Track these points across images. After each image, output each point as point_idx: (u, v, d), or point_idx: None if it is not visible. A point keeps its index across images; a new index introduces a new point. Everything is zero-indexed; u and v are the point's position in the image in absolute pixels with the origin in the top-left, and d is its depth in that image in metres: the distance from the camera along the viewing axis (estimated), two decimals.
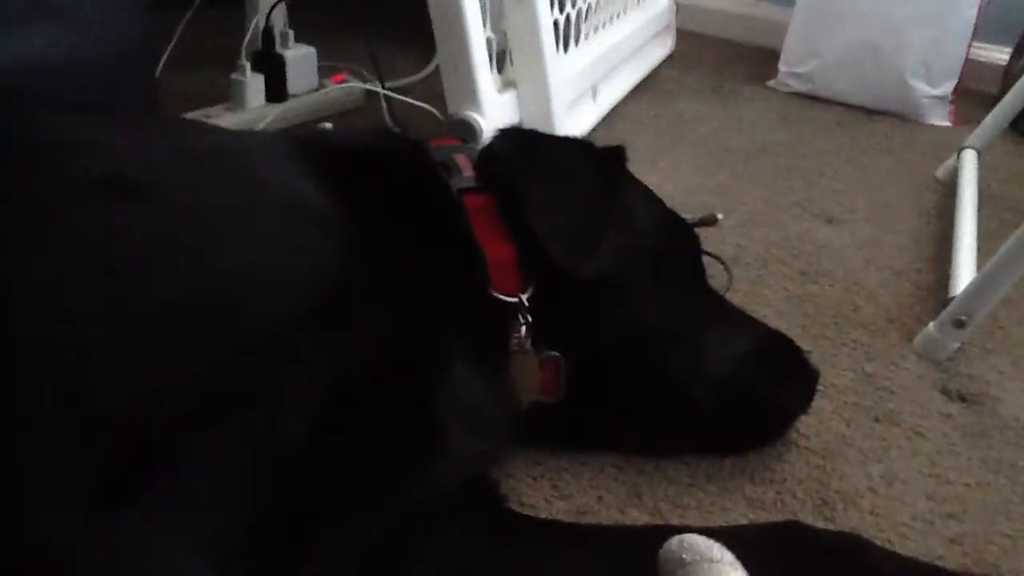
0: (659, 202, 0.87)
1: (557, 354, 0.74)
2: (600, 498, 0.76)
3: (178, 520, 0.45)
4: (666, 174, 1.46)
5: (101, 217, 0.50)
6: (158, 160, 0.57)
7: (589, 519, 0.74)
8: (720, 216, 1.30)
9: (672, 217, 0.86)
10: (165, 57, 1.43)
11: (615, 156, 0.83)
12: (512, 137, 0.81)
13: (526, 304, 0.72)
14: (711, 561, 0.59)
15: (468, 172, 0.76)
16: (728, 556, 0.60)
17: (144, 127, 0.63)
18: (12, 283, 0.45)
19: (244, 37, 1.44)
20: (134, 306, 0.47)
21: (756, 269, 1.19)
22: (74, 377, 0.44)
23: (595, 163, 0.81)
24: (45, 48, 0.90)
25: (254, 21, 1.44)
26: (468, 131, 1.20)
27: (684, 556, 0.60)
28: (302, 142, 0.70)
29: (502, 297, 0.71)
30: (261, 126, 1.37)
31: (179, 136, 0.65)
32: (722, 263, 1.11)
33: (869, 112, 1.94)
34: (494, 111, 1.24)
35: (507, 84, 1.35)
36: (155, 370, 0.47)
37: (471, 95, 1.22)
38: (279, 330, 0.52)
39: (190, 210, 0.54)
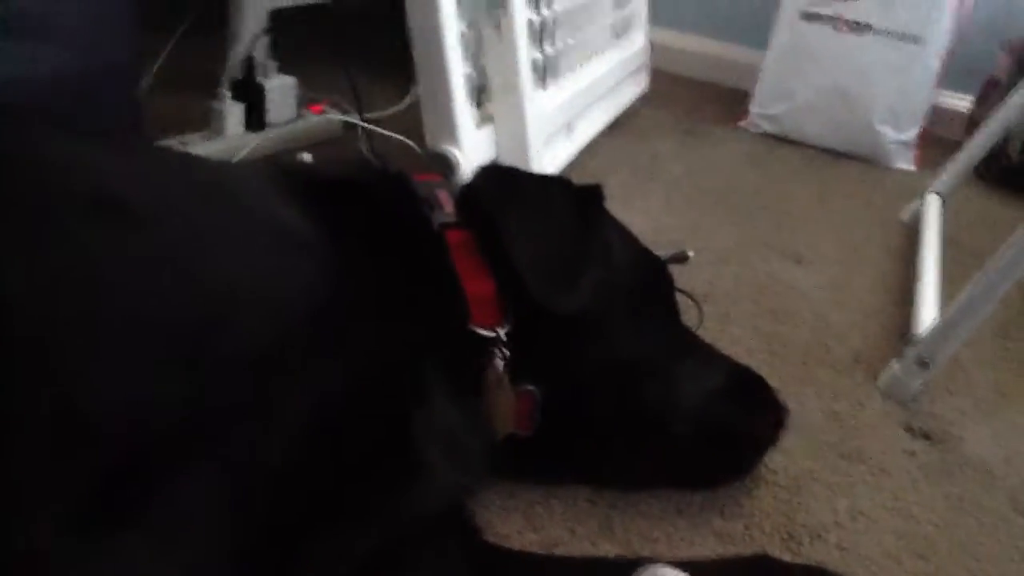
0: (634, 240, 0.88)
1: (533, 388, 0.75)
2: (572, 531, 0.77)
3: (168, 538, 0.46)
4: (639, 212, 1.49)
5: (94, 236, 0.50)
6: (149, 183, 0.58)
7: (561, 551, 0.74)
8: (691, 254, 1.32)
9: (647, 255, 0.88)
10: (148, 81, 1.44)
11: (593, 194, 0.85)
12: (492, 175, 0.83)
13: (504, 339, 0.73)
14: None
15: (449, 208, 0.77)
16: None
17: (135, 150, 0.64)
18: (4, 300, 0.45)
19: (225, 66, 1.45)
20: (125, 325, 0.48)
21: (726, 307, 1.21)
22: (66, 394, 0.45)
23: (574, 201, 0.82)
24: (30, 63, 0.90)
25: (235, 50, 1.45)
26: (446, 165, 1.22)
27: None
28: (287, 171, 0.71)
29: (481, 331, 0.72)
30: (239, 155, 1.38)
31: (168, 161, 0.66)
32: (693, 300, 1.13)
33: (837, 155, 1.99)
34: (472, 146, 1.26)
35: (485, 119, 1.37)
36: (145, 388, 0.47)
37: (450, 129, 1.24)
38: (265, 351, 0.53)
39: (179, 232, 0.55)
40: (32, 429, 0.43)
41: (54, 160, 0.56)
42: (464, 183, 0.82)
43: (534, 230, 0.77)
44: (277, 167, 0.75)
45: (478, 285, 0.73)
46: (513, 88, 1.35)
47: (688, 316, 0.97)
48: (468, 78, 1.28)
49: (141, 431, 0.46)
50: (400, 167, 0.80)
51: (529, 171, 0.87)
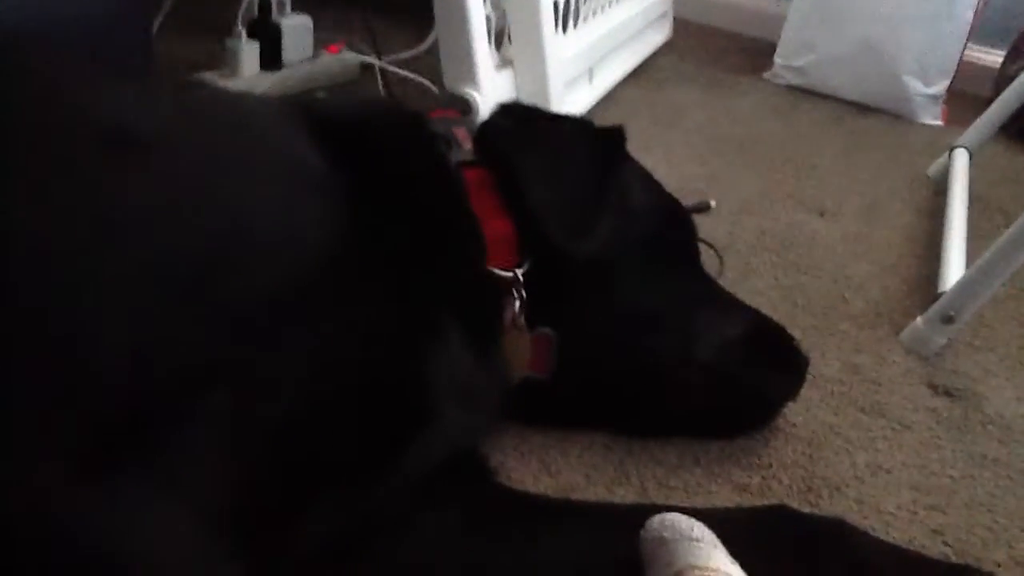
0: (656, 184, 0.86)
1: (550, 331, 0.73)
2: (588, 476, 0.76)
3: (166, 481, 0.44)
4: (659, 161, 1.46)
5: (101, 169, 0.49)
6: (164, 118, 0.56)
7: (576, 496, 0.73)
8: (713, 204, 1.31)
9: (669, 200, 0.86)
10: (160, 22, 1.42)
11: (615, 136, 0.82)
12: (512, 113, 0.81)
13: (521, 280, 0.71)
14: (691, 540, 0.59)
15: (467, 146, 0.76)
16: (708, 535, 0.60)
17: (146, 83, 0.62)
18: (9, 235, 0.44)
19: (240, 4, 1.42)
20: (131, 267, 0.47)
21: (747, 257, 1.19)
22: (69, 336, 0.43)
23: (595, 142, 0.80)
24: (37, 4, 0.88)
25: None
26: (464, 107, 1.19)
27: (665, 534, 0.60)
28: (302, 107, 0.69)
29: (498, 272, 0.71)
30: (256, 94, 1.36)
31: (184, 96, 0.64)
32: (714, 250, 1.11)
33: (863, 108, 1.94)
34: (490, 88, 1.23)
35: (505, 62, 1.34)
36: (150, 330, 0.46)
37: (468, 72, 1.21)
38: (275, 292, 0.52)
39: (190, 167, 0.53)
40: (33, 372, 0.42)
41: (62, 91, 0.54)
42: (483, 120, 0.80)
43: (553, 171, 0.75)
44: (294, 102, 0.73)
45: (496, 225, 0.71)
46: (533, 31, 1.32)
47: (709, 266, 0.95)
48: (487, 19, 1.25)
49: (146, 374, 0.45)
50: (416, 109, 0.78)
51: (550, 111, 0.85)
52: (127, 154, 0.50)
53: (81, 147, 0.49)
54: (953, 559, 0.72)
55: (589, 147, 0.79)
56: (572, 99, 1.50)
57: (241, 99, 0.72)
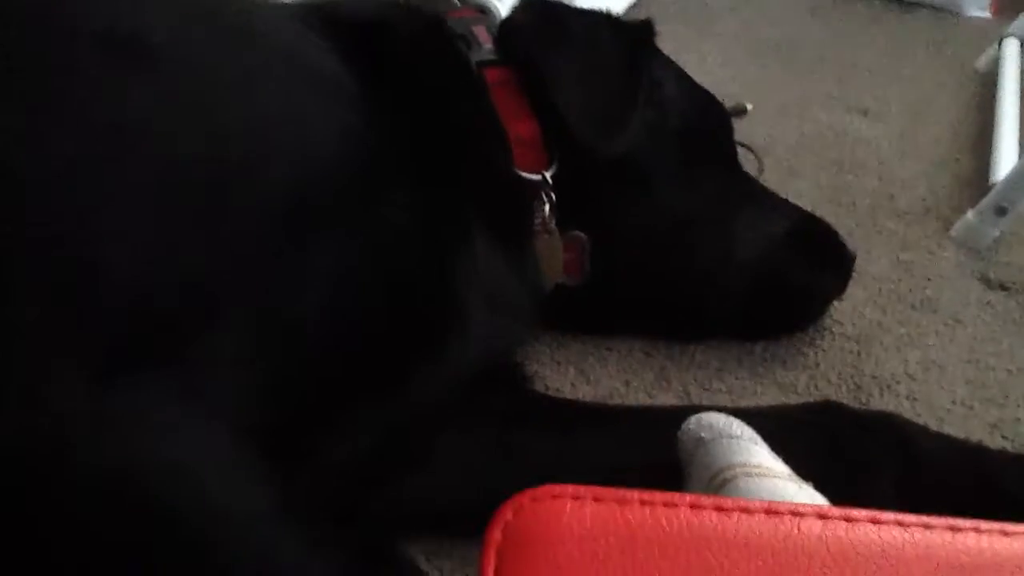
0: (689, 80, 0.82)
1: (582, 234, 0.71)
2: (627, 382, 0.74)
3: (186, 385, 0.43)
4: (692, 66, 1.37)
5: (108, 74, 0.47)
6: (171, 20, 0.53)
7: (616, 403, 0.72)
8: (750, 107, 1.26)
9: (702, 94, 0.82)
10: None
11: (643, 30, 0.79)
12: (534, 8, 0.77)
13: (550, 182, 0.69)
14: (730, 437, 0.56)
15: (488, 44, 0.72)
16: (748, 432, 0.57)
17: None
18: (6, 143, 0.42)
19: None
20: (143, 169, 0.45)
21: (788, 160, 1.14)
22: (83, 242, 0.42)
23: (622, 37, 0.76)
24: None
25: None
26: (483, 13, 1.15)
27: (703, 434, 0.57)
28: (315, 9, 0.66)
29: (525, 175, 0.68)
30: None
31: None
32: (753, 152, 1.07)
33: (907, 4, 1.86)
34: None
35: None
36: (166, 236, 0.44)
37: None
38: (295, 198, 0.50)
39: (201, 71, 0.51)
40: (45, 279, 0.40)
41: None
42: (504, 17, 0.76)
43: (579, 68, 0.72)
44: (306, 5, 0.70)
45: (521, 126, 0.68)
46: None
47: (748, 169, 0.92)
48: None
49: (163, 281, 0.43)
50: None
51: (574, 6, 0.81)
52: (128, 55, 0.48)
53: (77, 49, 0.47)
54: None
55: (616, 42, 0.75)
56: (599, 3, 1.44)
57: (250, 3, 0.69)
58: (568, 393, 0.72)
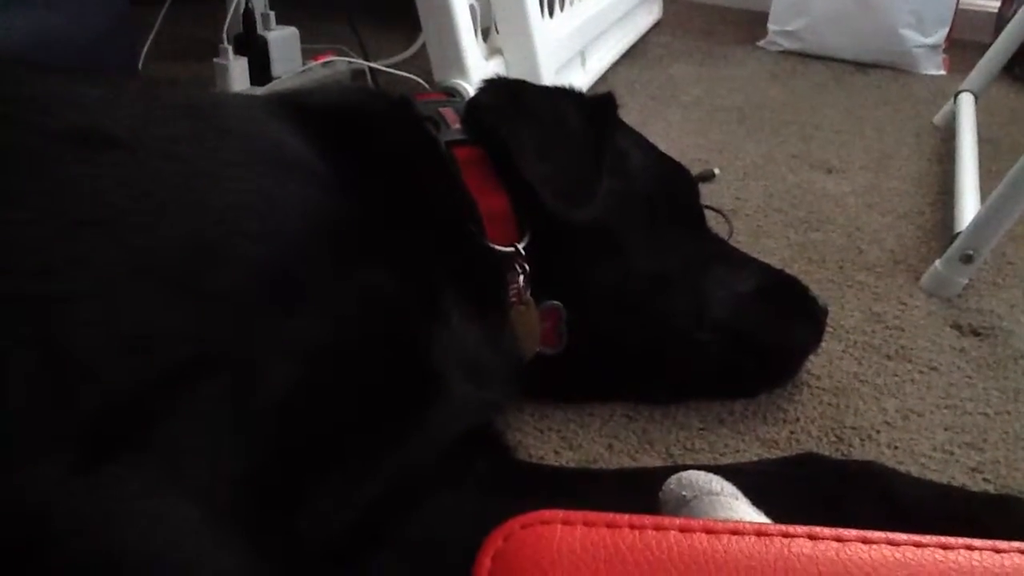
0: (653, 147, 0.85)
1: (558, 303, 0.72)
2: (610, 446, 0.74)
3: (165, 471, 0.43)
4: (659, 135, 1.43)
5: (76, 169, 0.48)
6: (135, 114, 0.55)
7: (600, 467, 0.72)
8: (717, 171, 1.29)
9: (667, 161, 0.84)
10: (146, 49, 1.42)
11: (605, 103, 0.81)
12: (498, 87, 0.79)
13: (523, 253, 0.70)
14: (711, 494, 0.56)
15: (456, 125, 0.74)
16: (729, 488, 0.57)
17: (120, 84, 0.61)
18: None
19: (225, 20, 1.42)
20: (112, 257, 0.45)
21: (757, 220, 1.17)
22: (50, 331, 0.42)
23: (585, 109, 0.79)
24: (22, 29, 0.88)
25: (234, 4, 1.42)
26: (452, 95, 1.18)
27: (684, 493, 0.57)
28: (282, 98, 0.68)
29: (498, 248, 0.69)
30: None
31: (155, 93, 0.63)
32: (722, 215, 1.09)
33: (862, 66, 1.92)
34: (481, 77, 1.21)
35: (493, 51, 1.33)
36: (135, 322, 0.45)
37: (457, 63, 1.20)
38: (267, 276, 0.51)
39: (169, 160, 0.52)
40: (23, 374, 0.41)
41: (34, 95, 0.53)
42: (469, 98, 0.78)
43: (544, 140, 0.74)
44: (275, 95, 0.72)
45: (491, 200, 0.70)
46: (519, 16, 1.30)
47: (718, 231, 0.94)
48: (472, 9, 1.24)
49: (138, 365, 0.44)
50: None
51: (536, 83, 0.84)
52: (100, 149, 0.49)
53: (53, 148, 0.48)
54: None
55: (580, 114, 0.78)
56: (565, 83, 1.48)
57: (217, 94, 0.71)
58: (552, 460, 0.72)
